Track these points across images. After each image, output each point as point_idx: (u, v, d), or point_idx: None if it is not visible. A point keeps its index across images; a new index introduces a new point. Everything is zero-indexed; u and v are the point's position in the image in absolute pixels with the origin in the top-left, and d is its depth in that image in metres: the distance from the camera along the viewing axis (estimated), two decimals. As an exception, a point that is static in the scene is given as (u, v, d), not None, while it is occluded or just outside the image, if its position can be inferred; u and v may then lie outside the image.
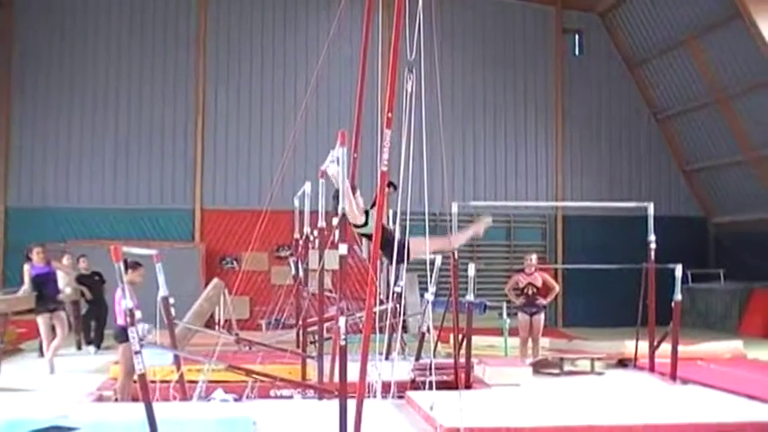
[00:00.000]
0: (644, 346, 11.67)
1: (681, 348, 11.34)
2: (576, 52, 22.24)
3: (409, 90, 6.65)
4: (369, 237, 7.09)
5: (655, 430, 7.43)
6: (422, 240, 7.21)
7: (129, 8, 20.61)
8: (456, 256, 10.51)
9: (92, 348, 14.72)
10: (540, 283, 12.81)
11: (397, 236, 7.46)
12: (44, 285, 12.56)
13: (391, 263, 8.09)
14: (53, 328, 12.56)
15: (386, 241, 7.01)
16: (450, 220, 10.43)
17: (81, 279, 14.96)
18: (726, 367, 12.11)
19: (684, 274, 11.61)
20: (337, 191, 6.98)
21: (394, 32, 6.21)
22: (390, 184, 7.50)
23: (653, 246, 11.42)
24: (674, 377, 10.68)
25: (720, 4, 17.89)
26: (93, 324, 15.03)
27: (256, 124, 20.70)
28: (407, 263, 7.64)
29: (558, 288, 13.61)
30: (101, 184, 20.27)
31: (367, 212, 7.37)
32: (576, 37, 22.23)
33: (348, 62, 19.12)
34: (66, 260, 15.08)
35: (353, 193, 7.40)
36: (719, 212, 22.09)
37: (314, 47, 20.29)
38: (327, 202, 8.28)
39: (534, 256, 13.22)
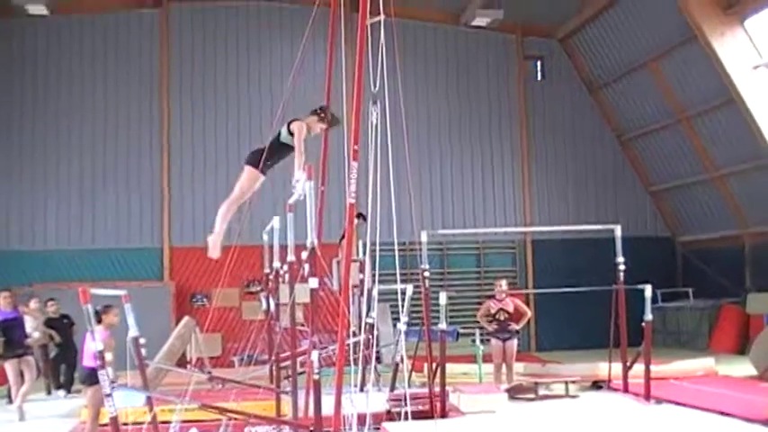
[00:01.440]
0: (617, 367, 11.73)
1: (653, 368, 11.41)
2: (539, 78, 22.51)
3: (374, 122, 6.69)
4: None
5: (631, 451, 7.44)
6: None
7: (91, 47, 20.49)
8: (427, 285, 10.53)
9: (62, 392, 14.50)
10: (511, 309, 12.85)
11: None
12: (11, 331, 12.39)
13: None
14: (21, 374, 12.38)
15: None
16: (420, 249, 10.46)
17: (50, 323, 14.77)
18: (699, 385, 12.19)
19: (654, 293, 11.73)
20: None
21: (357, 65, 6.25)
22: (360, 215, 7.53)
23: (622, 267, 11.54)
24: (647, 397, 10.74)
25: (677, 28, 18.19)
26: (62, 368, 14.83)
27: (222, 160, 20.61)
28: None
29: (529, 313, 13.67)
30: (66, 225, 20.04)
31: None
32: (538, 63, 22.52)
33: (312, 93, 19.08)
34: (33, 304, 14.89)
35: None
36: (686, 231, 22.32)
37: (278, 81, 20.31)
38: (298, 235, 8.28)
39: (504, 282, 13.27)
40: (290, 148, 7.95)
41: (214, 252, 8.22)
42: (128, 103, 20.48)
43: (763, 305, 18.01)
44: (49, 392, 14.61)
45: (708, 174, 20.22)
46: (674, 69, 19.48)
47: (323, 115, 8.23)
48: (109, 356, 7.40)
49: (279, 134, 8.12)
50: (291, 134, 7.92)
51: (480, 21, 19.72)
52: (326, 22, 9.53)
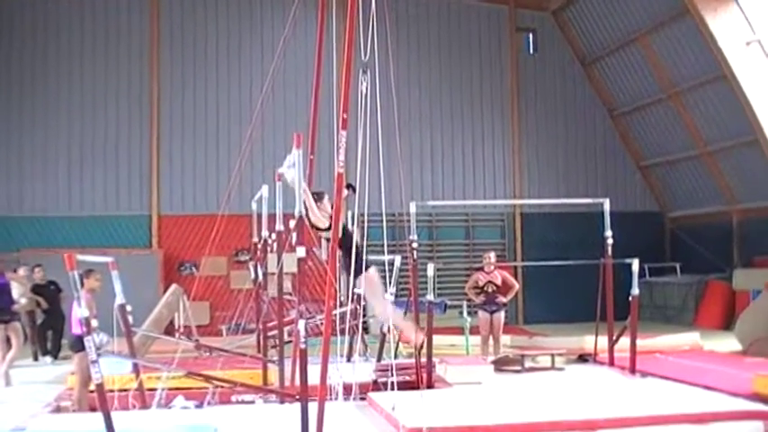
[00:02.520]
0: (603, 340, 11.78)
1: (639, 342, 11.47)
2: (531, 51, 22.43)
3: (364, 91, 6.64)
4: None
5: (616, 423, 7.48)
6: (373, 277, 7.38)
7: (80, 17, 20.30)
8: (415, 256, 10.52)
9: (48, 359, 14.52)
10: (499, 281, 12.87)
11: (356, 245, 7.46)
12: (-2, 296, 12.36)
13: (347, 272, 8.09)
14: (8, 340, 12.37)
15: (346, 248, 7.06)
16: (409, 220, 10.45)
17: (36, 289, 14.74)
18: (684, 359, 12.26)
19: (641, 268, 11.75)
20: (319, 193, 7.01)
21: (347, 34, 6.20)
22: (349, 185, 7.49)
23: (610, 241, 11.54)
24: (633, 370, 10.80)
25: (669, 2, 18.13)
26: (49, 334, 14.82)
27: (212, 128, 20.54)
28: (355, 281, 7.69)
29: (517, 286, 13.69)
30: (55, 192, 19.95)
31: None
32: (530, 36, 22.42)
33: (303, 64, 19.06)
34: (22, 271, 14.86)
35: (321, 200, 7.45)
36: (675, 207, 22.39)
37: (268, 49, 20.20)
38: (287, 204, 8.24)
39: (492, 254, 13.27)
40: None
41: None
42: (117, 74, 20.33)
43: (750, 281, 18.10)
44: (35, 358, 14.61)
45: (697, 150, 20.25)
46: (666, 44, 19.44)
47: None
48: (94, 323, 7.38)
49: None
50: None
51: (473, -8, 19.60)
52: (318, -10, 9.46)
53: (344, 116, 6.21)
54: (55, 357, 14.57)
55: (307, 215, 7.11)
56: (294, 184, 7.01)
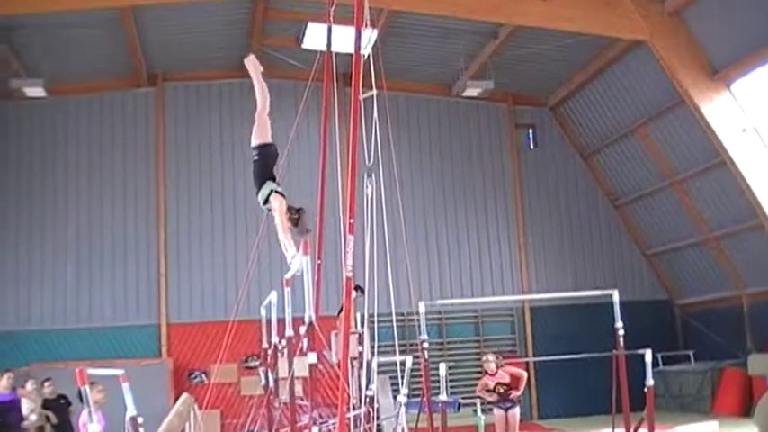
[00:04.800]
0: (621, 433, 11.61)
1: (658, 434, 11.30)
2: (531, 146, 22.74)
3: (369, 194, 6.76)
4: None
5: None
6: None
7: (87, 125, 20.71)
8: (426, 356, 10.49)
9: (59, 475, 14.27)
10: (507, 380, 12.74)
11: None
12: (8, 414, 12.28)
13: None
14: (18, 457, 12.21)
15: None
16: (419, 320, 10.44)
17: (46, 404, 14.61)
18: (704, 450, 12.07)
19: (654, 357, 11.70)
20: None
21: (351, 140, 6.35)
22: (357, 287, 7.55)
23: (621, 332, 11.51)
24: (653, 463, 10.62)
25: (665, 93, 18.47)
26: (59, 449, 14.61)
27: (219, 235, 20.68)
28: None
29: (525, 375, 13.49)
30: (63, 304, 19.95)
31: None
32: (530, 131, 22.77)
33: (308, 170, 19.36)
34: (30, 385, 14.74)
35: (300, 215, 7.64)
36: (684, 294, 22.30)
37: (273, 155, 20.50)
38: (296, 308, 8.24)
39: (491, 355, 13.11)
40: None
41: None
42: (123, 181, 20.60)
43: (765, 366, 17.89)
44: (45, 475, 14.37)
45: (702, 236, 20.31)
46: (664, 134, 19.72)
47: (296, 217, 8.09)
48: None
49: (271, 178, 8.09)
50: (266, 202, 7.95)
51: (471, 91, 20.01)
52: (320, 97, 9.69)
53: (351, 221, 6.31)
54: (65, 473, 14.33)
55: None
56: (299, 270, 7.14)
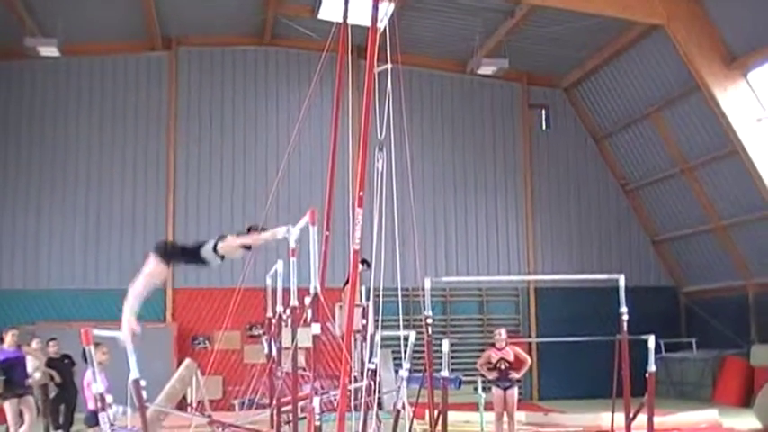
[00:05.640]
0: (620, 417, 11.64)
1: (657, 419, 11.34)
2: (543, 127, 22.64)
3: (380, 169, 6.75)
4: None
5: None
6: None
7: (100, 87, 20.74)
8: (429, 332, 10.51)
9: (60, 433, 14.39)
10: (511, 358, 12.77)
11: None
12: (13, 370, 12.34)
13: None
14: (21, 414, 12.31)
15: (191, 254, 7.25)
16: (423, 296, 10.46)
17: (51, 363, 14.70)
18: (702, 437, 12.10)
19: (657, 343, 11.68)
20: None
21: (364, 114, 6.32)
22: (363, 261, 7.55)
23: (625, 317, 11.51)
24: (650, 449, 10.65)
25: (680, 79, 18.36)
26: (62, 408, 14.73)
27: (227, 202, 20.73)
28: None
29: (529, 360, 13.57)
30: (71, 266, 20.09)
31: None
32: (543, 112, 22.65)
33: (319, 141, 19.37)
34: (35, 344, 14.84)
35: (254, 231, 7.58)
36: (690, 281, 22.29)
37: (284, 124, 20.52)
38: (301, 279, 8.26)
39: (503, 331, 13.18)
40: (201, 261, 7.83)
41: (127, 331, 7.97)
42: (135, 145, 20.66)
43: (768, 357, 17.92)
44: (47, 433, 14.50)
45: (711, 224, 20.25)
46: (677, 120, 19.62)
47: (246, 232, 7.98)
48: (109, 398, 7.38)
49: (201, 245, 7.96)
50: (216, 252, 7.81)
51: (486, 69, 19.92)
52: (333, 68, 9.65)
53: (360, 194, 6.30)
54: (67, 432, 14.46)
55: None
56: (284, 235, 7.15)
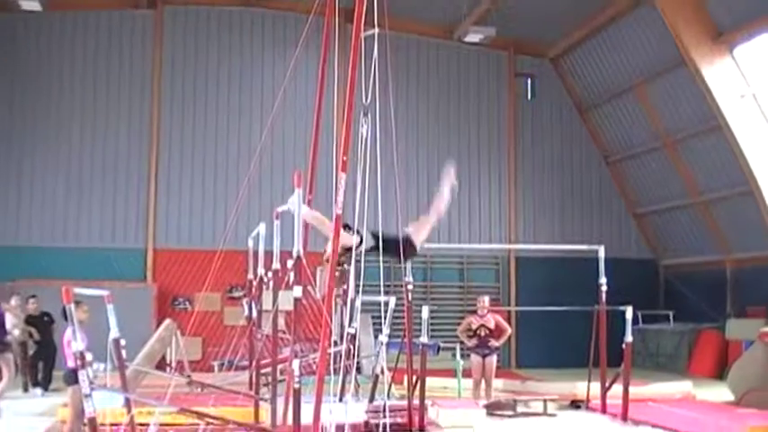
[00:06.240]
0: (596, 387, 11.78)
1: (632, 389, 11.47)
2: (529, 96, 22.62)
3: (364, 134, 6.72)
4: (369, 249, 7.13)
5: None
6: (416, 226, 7.22)
7: (83, 43, 20.49)
8: (410, 298, 10.55)
9: (39, 390, 14.43)
10: (492, 325, 12.89)
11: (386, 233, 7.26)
12: (-9, 326, 12.33)
13: (401, 262, 7.94)
14: (-1, 370, 12.31)
15: (387, 245, 7.04)
16: (405, 262, 10.48)
17: (30, 320, 14.70)
18: (676, 408, 12.25)
19: (635, 315, 11.80)
20: (348, 225, 6.88)
21: (349, 78, 6.29)
22: (346, 225, 7.52)
23: (604, 288, 11.60)
24: (625, 418, 10.80)
25: (666, 52, 18.35)
26: (40, 365, 14.75)
27: (210, 164, 20.64)
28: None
29: (510, 330, 13.72)
30: (51, 222, 19.97)
31: (357, 231, 7.14)
32: (529, 81, 22.62)
33: (304, 103, 19.23)
34: (14, 301, 14.82)
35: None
36: (669, 254, 22.46)
37: (269, 86, 20.39)
38: (284, 242, 8.24)
39: (487, 298, 13.31)
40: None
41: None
42: (118, 103, 20.48)
43: (743, 331, 18.11)
44: (26, 390, 14.53)
45: (691, 198, 20.37)
46: (662, 94, 19.65)
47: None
48: (89, 356, 7.37)
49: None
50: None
51: (473, 37, 19.84)
52: (319, 32, 9.58)
53: (344, 159, 6.29)
54: (45, 389, 14.49)
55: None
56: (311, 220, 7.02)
